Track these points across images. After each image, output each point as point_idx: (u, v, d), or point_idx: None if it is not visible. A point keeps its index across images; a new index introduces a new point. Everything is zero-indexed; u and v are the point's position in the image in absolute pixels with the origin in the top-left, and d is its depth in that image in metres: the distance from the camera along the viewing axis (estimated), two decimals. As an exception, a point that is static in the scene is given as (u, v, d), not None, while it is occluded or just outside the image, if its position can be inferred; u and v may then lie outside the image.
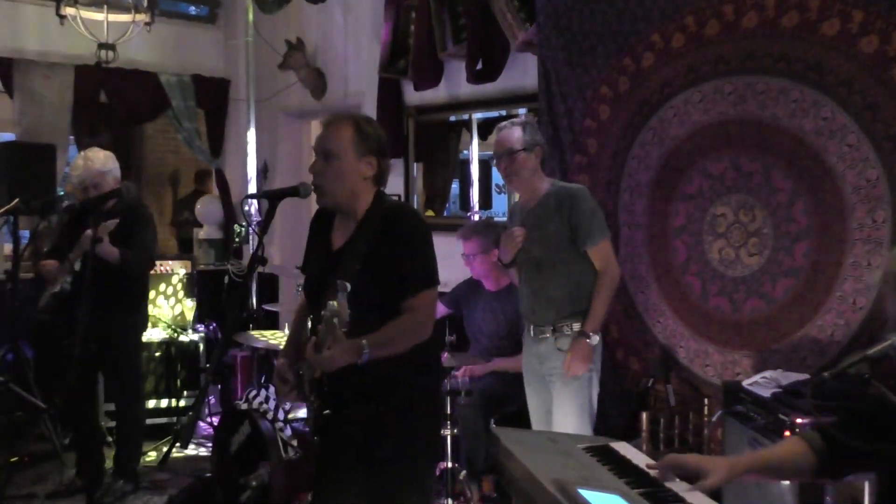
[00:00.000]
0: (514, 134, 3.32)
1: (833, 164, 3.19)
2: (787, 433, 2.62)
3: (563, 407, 3.27)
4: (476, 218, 5.34)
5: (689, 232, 3.70)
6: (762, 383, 3.01)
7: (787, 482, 2.62)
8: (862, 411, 1.72)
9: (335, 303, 2.11)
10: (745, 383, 3.07)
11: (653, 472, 1.79)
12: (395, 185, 5.48)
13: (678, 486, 1.73)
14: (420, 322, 2.36)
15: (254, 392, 4.37)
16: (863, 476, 2.41)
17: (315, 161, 2.42)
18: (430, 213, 5.90)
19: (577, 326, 3.25)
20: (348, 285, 2.12)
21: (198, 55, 6.84)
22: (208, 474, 4.23)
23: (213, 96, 6.81)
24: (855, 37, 3.08)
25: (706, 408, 3.48)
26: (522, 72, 4.62)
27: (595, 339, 3.24)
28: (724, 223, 3.56)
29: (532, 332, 3.37)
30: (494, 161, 3.41)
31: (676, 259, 3.75)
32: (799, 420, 2.62)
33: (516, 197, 3.74)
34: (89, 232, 3.69)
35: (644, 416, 3.51)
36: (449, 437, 3.68)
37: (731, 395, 3.12)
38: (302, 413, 4.13)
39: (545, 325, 3.31)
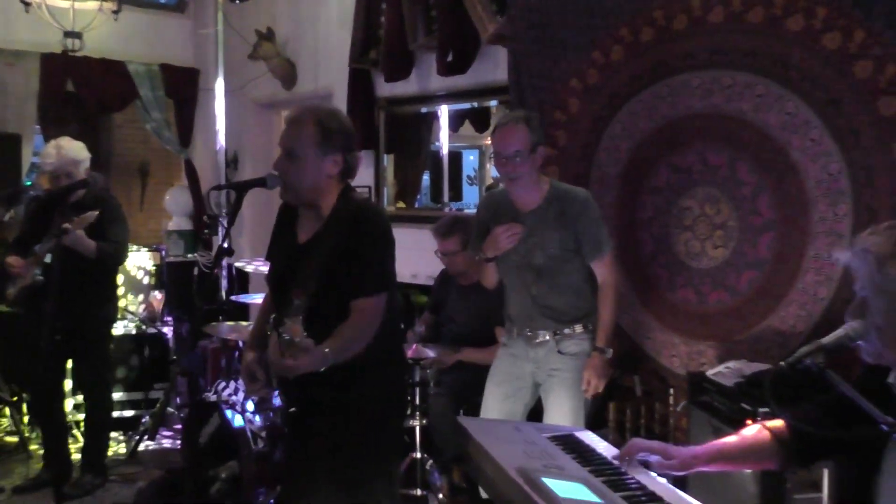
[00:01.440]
0: (519, 132, 2.98)
1: (797, 158, 3.24)
2: (749, 422, 2.67)
3: (559, 409, 3.13)
4: (447, 211, 5.34)
5: (656, 224, 3.74)
6: (726, 373, 3.05)
7: (749, 470, 2.67)
8: (820, 401, 1.76)
9: (291, 324, 2.16)
10: (710, 373, 3.11)
11: (617, 461, 1.83)
12: (365, 177, 5.47)
13: (641, 475, 1.76)
14: (368, 323, 2.36)
15: (223, 384, 4.36)
16: (824, 463, 2.46)
17: (279, 158, 2.39)
18: (401, 204, 5.89)
19: (578, 328, 3.14)
20: (303, 306, 2.17)
21: (166, 44, 6.77)
22: (178, 466, 4.21)
23: (182, 86, 6.74)
24: (818, 33, 3.13)
25: (672, 398, 3.53)
26: (493, 64, 4.64)
27: (609, 352, 3.10)
28: (691, 216, 3.61)
29: (527, 337, 3.19)
30: (493, 159, 3.10)
31: (643, 251, 3.80)
32: (762, 410, 2.67)
33: (485, 187, 3.70)
34: (66, 226, 3.69)
35: (611, 406, 3.55)
36: (418, 428, 3.69)
37: (695, 386, 3.16)
38: (270, 404, 4.12)
39: (544, 329, 3.15)
